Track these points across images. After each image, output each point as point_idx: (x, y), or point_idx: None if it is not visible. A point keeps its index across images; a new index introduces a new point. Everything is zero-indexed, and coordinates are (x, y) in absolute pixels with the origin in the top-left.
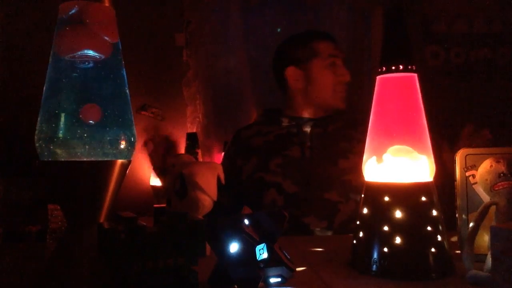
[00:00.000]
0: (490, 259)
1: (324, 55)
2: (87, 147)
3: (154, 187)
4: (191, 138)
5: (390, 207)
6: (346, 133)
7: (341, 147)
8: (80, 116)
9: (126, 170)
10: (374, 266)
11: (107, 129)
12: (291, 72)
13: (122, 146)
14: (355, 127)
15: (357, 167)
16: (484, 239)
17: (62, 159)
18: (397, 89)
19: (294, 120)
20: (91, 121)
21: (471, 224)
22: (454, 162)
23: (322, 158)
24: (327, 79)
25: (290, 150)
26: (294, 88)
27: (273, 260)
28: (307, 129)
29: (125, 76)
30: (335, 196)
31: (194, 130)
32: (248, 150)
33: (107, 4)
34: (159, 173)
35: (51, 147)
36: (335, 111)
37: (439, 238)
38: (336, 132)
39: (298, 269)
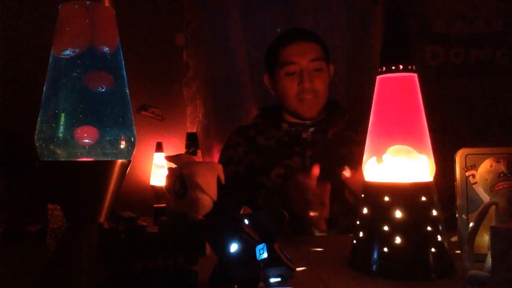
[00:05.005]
0: (490, 259)
1: (281, 64)
2: (87, 147)
3: (154, 187)
4: (191, 138)
5: (390, 207)
6: (345, 135)
7: (340, 153)
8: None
9: (126, 170)
10: (374, 266)
11: (107, 129)
12: (266, 80)
13: (122, 146)
14: (355, 128)
15: (355, 175)
16: (484, 239)
17: (62, 159)
18: (397, 89)
19: (293, 126)
20: (87, 141)
21: (471, 224)
22: (454, 162)
23: (322, 169)
24: (288, 88)
25: (291, 159)
26: (273, 94)
27: (273, 260)
28: (307, 136)
29: (125, 76)
30: (336, 208)
31: (194, 130)
32: (254, 148)
33: (107, 4)
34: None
35: (51, 147)
36: (318, 117)
37: (439, 238)
38: (336, 137)
39: (298, 269)
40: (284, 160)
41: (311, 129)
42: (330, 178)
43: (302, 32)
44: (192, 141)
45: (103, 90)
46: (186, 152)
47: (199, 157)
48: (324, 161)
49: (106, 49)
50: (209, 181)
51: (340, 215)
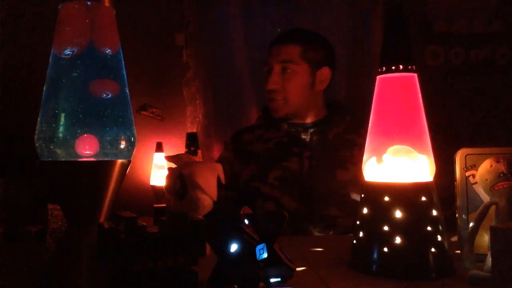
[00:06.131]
0: (490, 259)
1: (263, 63)
2: (86, 146)
3: (154, 187)
4: (191, 138)
5: (390, 207)
6: (347, 138)
7: (340, 156)
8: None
9: (126, 170)
10: (374, 266)
11: (107, 129)
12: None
13: (122, 146)
14: (357, 130)
15: (355, 178)
16: (484, 239)
17: (62, 159)
18: (397, 89)
19: (293, 126)
20: (88, 152)
21: (471, 224)
22: (454, 162)
23: (321, 170)
24: (264, 87)
25: (289, 161)
26: None
27: (273, 260)
28: (307, 137)
29: (125, 76)
30: (335, 211)
31: (194, 130)
32: (248, 156)
33: (107, 4)
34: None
35: (51, 147)
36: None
37: (439, 238)
38: (337, 138)
39: (298, 269)
40: (282, 162)
41: (311, 130)
42: (328, 181)
43: (288, 34)
44: (192, 141)
45: (108, 97)
46: (186, 152)
47: (199, 157)
48: (322, 162)
49: (106, 49)
50: (209, 181)
51: (339, 217)
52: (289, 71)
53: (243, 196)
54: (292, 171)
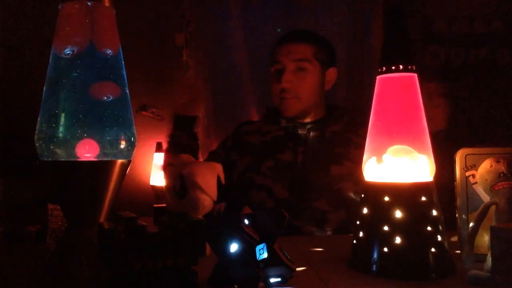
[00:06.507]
0: (490, 259)
1: (271, 62)
2: (87, 147)
3: (154, 187)
4: (184, 123)
5: (390, 207)
6: (344, 136)
7: (336, 152)
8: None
9: (126, 170)
10: (374, 266)
11: (107, 129)
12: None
13: (122, 146)
14: (355, 130)
15: (350, 175)
16: (484, 239)
17: (62, 159)
18: (397, 89)
19: (291, 122)
20: (88, 155)
21: (471, 224)
22: (454, 162)
23: (315, 164)
24: (273, 86)
25: (283, 153)
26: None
27: (273, 260)
28: (303, 132)
29: (125, 76)
30: (324, 205)
31: (194, 130)
32: (244, 147)
33: (107, 4)
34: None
35: (51, 147)
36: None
37: (439, 238)
38: (334, 135)
39: (298, 269)
40: (276, 154)
41: (308, 127)
42: (320, 175)
43: (298, 33)
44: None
45: (109, 99)
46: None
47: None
48: (317, 156)
49: (106, 49)
50: (209, 181)
51: (328, 212)
52: (303, 69)
53: (237, 187)
54: (285, 162)
